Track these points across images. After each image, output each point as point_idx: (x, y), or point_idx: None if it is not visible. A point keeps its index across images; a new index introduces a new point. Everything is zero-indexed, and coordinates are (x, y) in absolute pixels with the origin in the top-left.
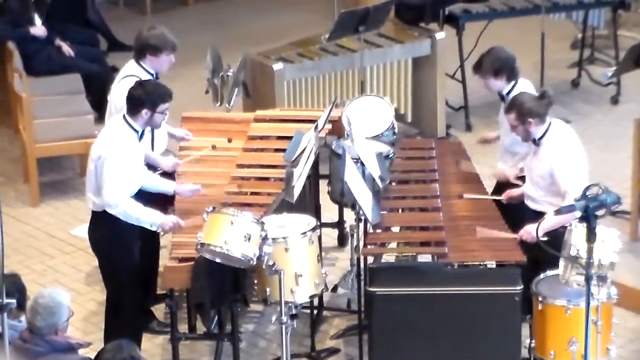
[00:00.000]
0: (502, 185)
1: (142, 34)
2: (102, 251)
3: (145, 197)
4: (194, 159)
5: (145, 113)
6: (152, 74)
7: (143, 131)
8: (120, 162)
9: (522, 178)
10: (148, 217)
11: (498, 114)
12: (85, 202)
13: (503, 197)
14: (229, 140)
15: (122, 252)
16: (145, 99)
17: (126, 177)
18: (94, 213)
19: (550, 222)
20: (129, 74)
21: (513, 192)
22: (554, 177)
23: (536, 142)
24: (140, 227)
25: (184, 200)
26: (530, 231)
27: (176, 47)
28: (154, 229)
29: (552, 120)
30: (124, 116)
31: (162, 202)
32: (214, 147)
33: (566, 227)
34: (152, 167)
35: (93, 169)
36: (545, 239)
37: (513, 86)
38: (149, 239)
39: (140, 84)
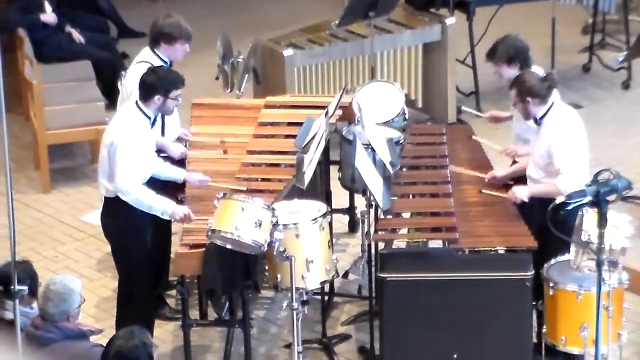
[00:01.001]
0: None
1: (157, 21)
2: (114, 237)
3: (155, 182)
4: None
5: (157, 99)
6: (165, 62)
7: (155, 117)
8: (133, 148)
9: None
10: (160, 205)
11: (509, 101)
12: (98, 188)
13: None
14: (225, 152)
15: (135, 239)
16: (158, 85)
17: (138, 164)
18: (107, 199)
19: (538, 189)
20: (143, 60)
21: (517, 192)
22: (551, 156)
23: (537, 122)
24: (153, 214)
25: (194, 187)
26: (515, 192)
27: (191, 36)
28: (165, 217)
29: (555, 102)
30: (136, 102)
31: (172, 188)
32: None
33: (582, 205)
34: (159, 151)
35: (105, 155)
36: (526, 200)
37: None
38: (162, 226)
39: (152, 70)
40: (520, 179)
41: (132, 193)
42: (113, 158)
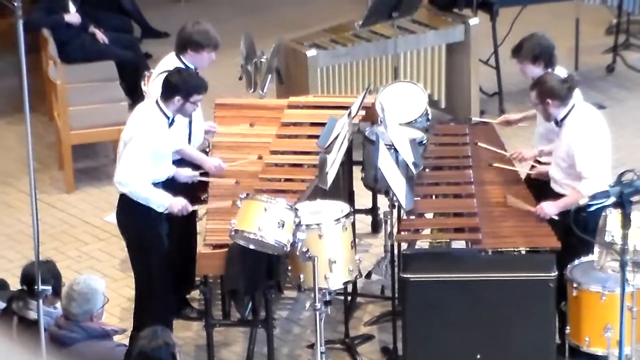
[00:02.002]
0: (533, 180)
1: (186, 28)
2: (129, 233)
3: (175, 187)
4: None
5: (177, 100)
6: (190, 69)
7: (174, 118)
8: (146, 144)
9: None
10: (157, 199)
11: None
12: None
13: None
14: (251, 125)
15: (149, 234)
16: (182, 86)
17: (145, 160)
18: (122, 195)
19: (563, 202)
20: (168, 68)
21: (541, 168)
22: (572, 159)
23: (558, 123)
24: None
25: (218, 187)
26: (544, 208)
27: (219, 45)
28: (161, 210)
29: (577, 103)
30: (156, 100)
31: (193, 188)
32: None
33: (603, 207)
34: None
35: (123, 150)
36: (556, 217)
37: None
38: (183, 225)
39: (179, 71)
40: (544, 191)
41: (131, 185)
42: (123, 150)
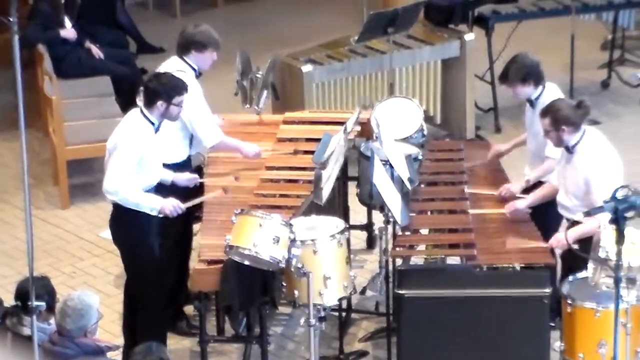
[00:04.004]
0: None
1: (187, 29)
2: (122, 243)
3: (174, 191)
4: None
5: (160, 104)
6: (195, 70)
7: (159, 124)
8: (131, 152)
9: (527, 191)
10: (147, 202)
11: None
12: (104, 195)
13: (506, 209)
14: (236, 179)
15: (141, 245)
16: (161, 90)
17: (131, 167)
18: (115, 205)
19: (579, 230)
20: (177, 69)
21: (517, 204)
22: (589, 186)
23: (570, 150)
24: (165, 222)
25: (212, 203)
26: (560, 239)
27: (220, 45)
28: (154, 213)
29: (586, 129)
30: (140, 109)
31: (191, 194)
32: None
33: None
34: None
35: (108, 159)
36: (576, 246)
37: (542, 90)
38: (178, 238)
39: (155, 75)
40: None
41: (120, 193)
42: (108, 159)
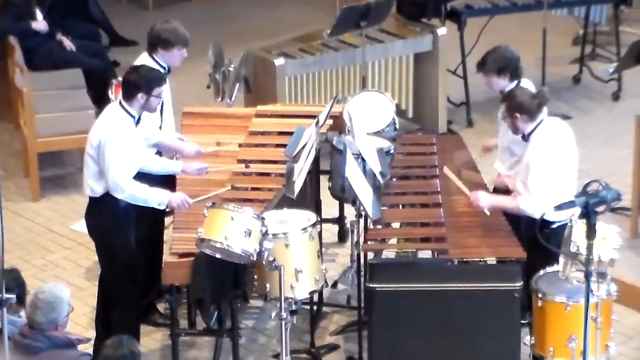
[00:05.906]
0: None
1: (155, 27)
2: (98, 236)
3: (150, 180)
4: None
5: (141, 97)
6: (164, 68)
7: (139, 117)
8: (121, 146)
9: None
10: (155, 197)
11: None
12: (83, 189)
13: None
14: (218, 144)
15: (118, 237)
16: (141, 82)
17: (128, 161)
18: (91, 199)
19: (498, 201)
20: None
21: (480, 200)
22: (529, 170)
23: (525, 138)
24: (138, 215)
25: (185, 190)
26: (479, 199)
27: (188, 42)
28: (162, 207)
29: (545, 118)
30: (120, 102)
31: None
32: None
33: (566, 223)
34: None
35: (94, 154)
36: (487, 212)
37: (516, 86)
38: (151, 232)
39: (134, 68)
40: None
41: (126, 190)
42: (102, 157)
